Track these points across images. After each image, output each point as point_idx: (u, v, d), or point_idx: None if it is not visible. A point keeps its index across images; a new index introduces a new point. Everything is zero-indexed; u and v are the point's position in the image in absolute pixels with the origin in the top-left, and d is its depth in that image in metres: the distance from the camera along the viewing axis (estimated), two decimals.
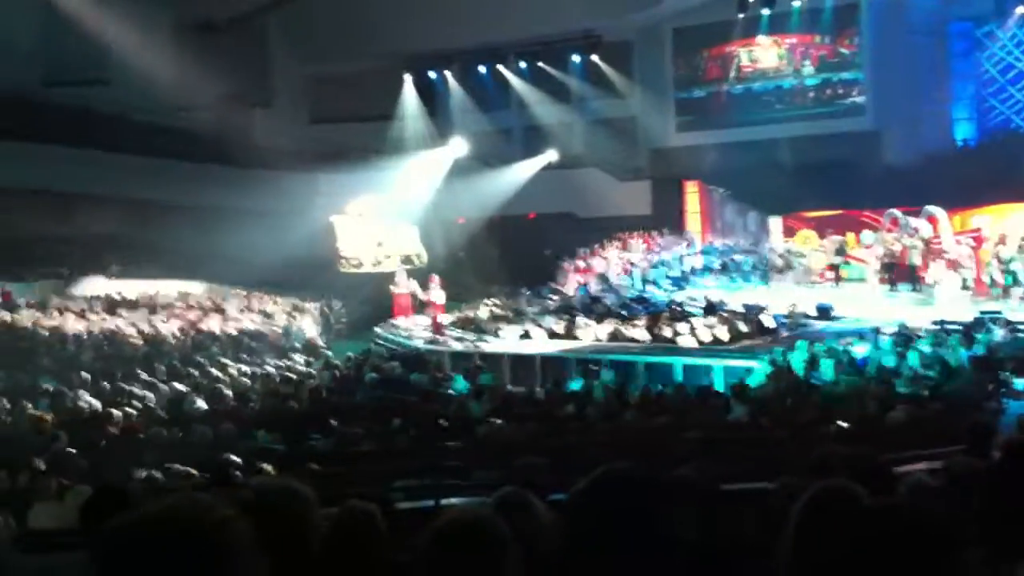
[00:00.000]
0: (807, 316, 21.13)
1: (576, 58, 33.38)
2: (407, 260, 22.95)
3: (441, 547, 2.65)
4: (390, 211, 24.01)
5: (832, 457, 4.42)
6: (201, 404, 14.04)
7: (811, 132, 30.07)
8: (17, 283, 26.80)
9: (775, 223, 29.96)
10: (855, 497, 2.57)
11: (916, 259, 24.35)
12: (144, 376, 15.66)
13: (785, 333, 19.67)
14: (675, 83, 33.44)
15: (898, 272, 25.04)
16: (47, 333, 20.66)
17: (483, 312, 24.46)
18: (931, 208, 24.75)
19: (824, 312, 21.34)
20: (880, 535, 2.05)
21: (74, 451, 10.71)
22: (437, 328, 22.23)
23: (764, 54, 32.16)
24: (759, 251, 29.32)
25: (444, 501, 8.05)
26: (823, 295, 23.83)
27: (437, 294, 22.61)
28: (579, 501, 2.30)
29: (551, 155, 32.67)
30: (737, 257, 29.20)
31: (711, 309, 21.92)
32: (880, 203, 26.78)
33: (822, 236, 28.23)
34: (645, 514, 2.21)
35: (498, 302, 25.90)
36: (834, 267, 26.83)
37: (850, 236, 27.48)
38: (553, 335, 21.17)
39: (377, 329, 24.44)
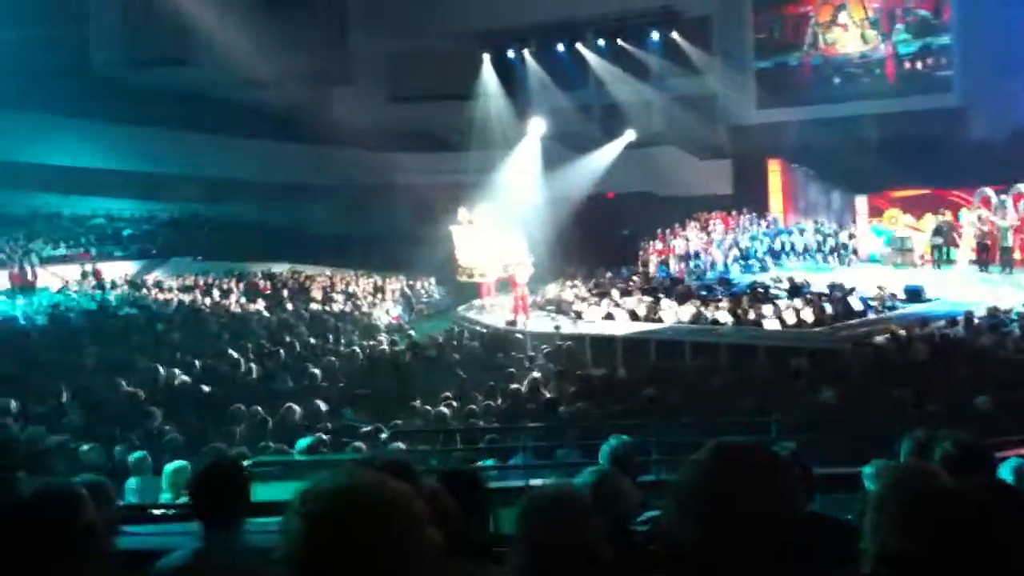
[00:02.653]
0: (895, 298, 20.69)
1: (655, 35, 33.03)
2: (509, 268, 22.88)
3: (533, 518, 2.68)
4: (498, 216, 24.03)
5: (933, 440, 4.34)
6: (289, 382, 14.27)
7: (897, 109, 29.30)
8: (107, 262, 27.50)
9: (860, 202, 29.34)
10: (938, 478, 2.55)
11: (1008, 240, 23.70)
12: (233, 354, 15.92)
13: (872, 316, 19.30)
14: (755, 50, 32.77)
15: (990, 253, 24.41)
16: (138, 311, 21.15)
17: (565, 293, 24.41)
18: (1021, 186, 24.05)
19: (914, 294, 20.88)
20: (981, 516, 2.02)
21: (168, 427, 10.98)
22: (520, 308, 22.21)
23: (849, 21, 31.31)
24: (845, 230, 28.78)
25: (532, 481, 8.10)
26: (912, 277, 23.32)
27: (522, 275, 22.49)
28: (697, 474, 2.25)
29: (630, 134, 32.41)
30: (820, 238, 28.72)
31: (796, 291, 21.59)
32: (969, 181, 26.11)
33: (918, 217, 27.56)
34: (767, 488, 2.15)
35: (579, 283, 25.84)
36: (936, 248, 26.19)
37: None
38: (635, 317, 21.04)
39: (459, 309, 24.55)
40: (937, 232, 26.26)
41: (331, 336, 19.14)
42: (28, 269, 26.01)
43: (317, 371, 14.54)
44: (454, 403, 13.16)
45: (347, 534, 1.72)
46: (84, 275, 26.53)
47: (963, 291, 21.31)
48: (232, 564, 3.53)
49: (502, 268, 23.36)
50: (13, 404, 11.37)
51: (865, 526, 2.33)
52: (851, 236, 28.69)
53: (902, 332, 16.07)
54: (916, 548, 2.11)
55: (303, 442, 9.85)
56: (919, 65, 30.26)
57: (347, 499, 1.77)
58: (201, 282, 26.64)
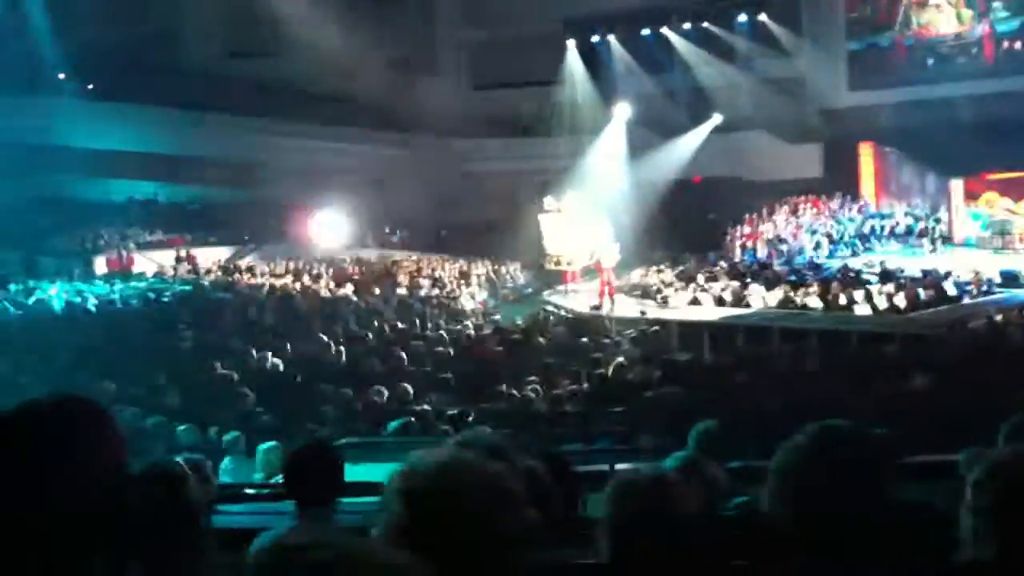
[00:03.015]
0: (992, 283, 20.14)
1: (742, 16, 32.53)
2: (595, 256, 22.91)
3: (622, 502, 2.68)
4: (586, 204, 24.09)
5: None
6: (377, 366, 14.44)
7: (994, 89, 28.41)
8: (202, 247, 28.13)
9: (956, 186, 28.56)
10: None
11: None
12: (322, 338, 16.18)
13: (968, 300, 18.84)
14: (846, 30, 32.05)
15: None
16: (231, 296, 21.61)
17: (650, 278, 24.28)
18: None
19: (1010, 278, 20.31)
20: None
21: (260, 409, 11.22)
22: (605, 293, 22.14)
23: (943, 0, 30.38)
24: (940, 214, 28.06)
25: (618, 465, 8.09)
26: (1009, 261, 22.68)
27: (608, 260, 22.40)
28: (797, 457, 2.23)
29: (717, 118, 32.02)
30: (912, 221, 28.09)
31: (888, 276, 21.15)
32: None
33: (1017, 199, 26.75)
34: (866, 472, 2.15)
35: (665, 268, 25.67)
36: None
37: None
38: (721, 302, 20.84)
39: (544, 294, 24.59)
40: None
41: (417, 320, 19.32)
42: (124, 255, 26.79)
43: (403, 355, 14.68)
44: (539, 387, 13.18)
45: (446, 511, 1.74)
46: (179, 260, 27.20)
47: None
48: (328, 541, 3.60)
49: (588, 255, 23.34)
50: (112, 387, 11.70)
51: (961, 514, 2.29)
52: (942, 220, 27.91)
53: (998, 317, 15.66)
54: (1013, 537, 2.07)
55: (394, 424, 9.97)
56: (1018, 44, 29.26)
57: (446, 477, 1.79)
58: (292, 267, 27.13)
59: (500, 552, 1.77)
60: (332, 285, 24.65)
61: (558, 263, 24.26)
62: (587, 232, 23.44)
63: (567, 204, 24.39)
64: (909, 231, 27.85)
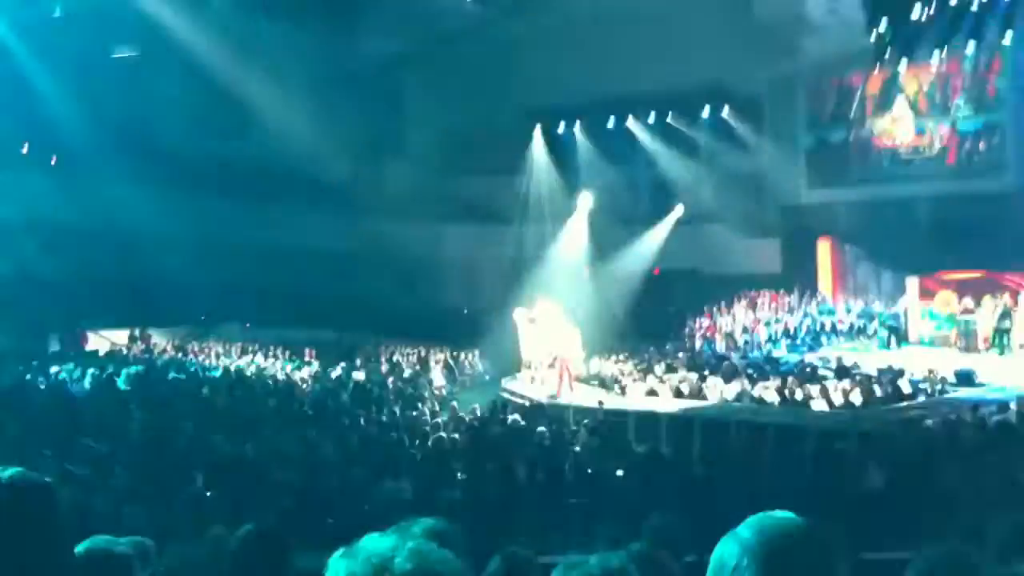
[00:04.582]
0: (946, 382, 20.34)
1: (705, 112, 33.19)
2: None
3: None
4: (556, 311, 24.35)
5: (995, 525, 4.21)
6: (329, 450, 14.25)
7: (952, 190, 29.02)
8: (157, 328, 27.81)
9: (911, 284, 28.98)
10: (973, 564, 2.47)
11: None
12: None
13: (923, 399, 18.98)
14: (806, 127, 32.73)
15: None
16: (184, 377, 21.33)
17: (609, 368, 24.31)
18: None
19: (965, 378, 20.52)
20: None
21: (209, 493, 10.99)
22: (564, 382, 22.13)
23: (903, 109, 31.09)
24: (896, 311, 28.41)
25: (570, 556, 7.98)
26: (961, 361, 22.95)
27: (575, 361, 22.63)
28: (737, 549, 2.15)
29: (679, 211, 32.42)
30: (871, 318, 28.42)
31: (844, 372, 21.32)
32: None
33: (976, 300, 27.16)
34: (812, 566, 2.10)
35: (623, 358, 25.72)
36: (999, 332, 25.64)
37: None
38: (679, 394, 20.87)
39: (503, 381, 24.51)
40: (1004, 316, 25.73)
41: (373, 406, 19.14)
42: (80, 333, 26.43)
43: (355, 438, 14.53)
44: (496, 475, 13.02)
45: None
46: (133, 339, 26.87)
47: (1017, 377, 20.88)
48: None
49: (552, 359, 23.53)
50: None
51: None
52: (898, 318, 28.23)
53: (952, 416, 15.77)
54: None
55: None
56: (980, 145, 29.82)
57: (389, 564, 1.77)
58: (247, 348, 26.86)
59: None
60: (288, 367, 24.44)
61: (531, 368, 24.39)
62: (559, 339, 23.67)
63: (539, 312, 24.60)
64: (862, 330, 28.16)
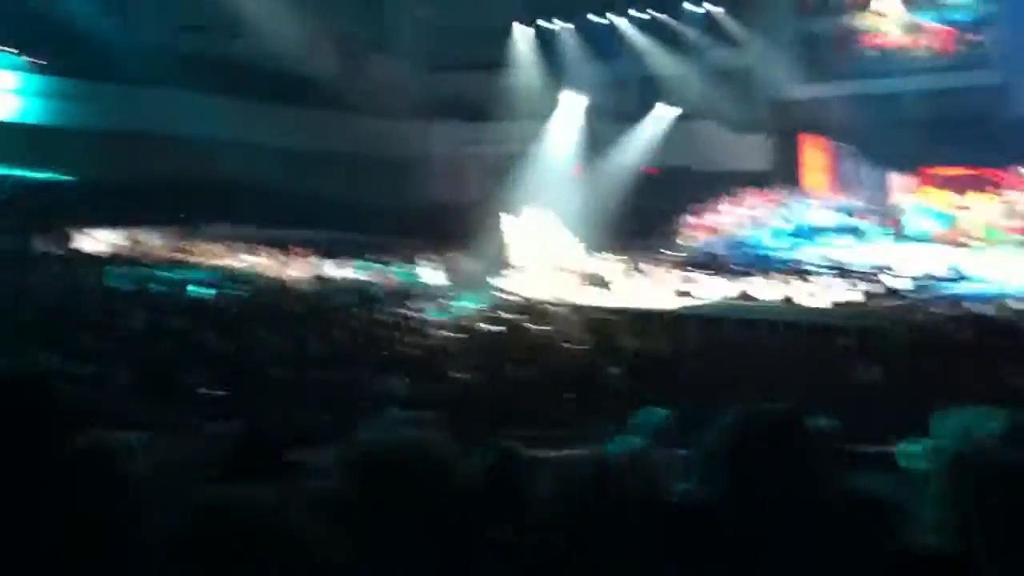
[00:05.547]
0: (938, 277, 20.43)
1: (692, 6, 32.62)
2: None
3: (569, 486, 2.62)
4: (542, 218, 24.22)
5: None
6: (323, 348, 14.30)
7: (940, 85, 28.80)
8: (144, 227, 27.58)
9: (899, 180, 28.94)
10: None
11: None
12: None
13: (913, 295, 19.08)
14: (795, 21, 32.24)
15: None
16: (174, 276, 21.21)
17: (600, 266, 24.26)
18: None
19: (956, 273, 20.62)
20: None
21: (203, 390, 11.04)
22: (555, 283, 22.17)
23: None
24: (885, 207, 28.42)
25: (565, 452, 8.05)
26: (954, 256, 23.03)
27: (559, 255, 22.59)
28: (720, 436, 2.16)
29: (664, 108, 32.06)
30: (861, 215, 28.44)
31: (837, 269, 21.36)
32: (1011, 160, 25.75)
33: (960, 194, 27.15)
34: (791, 451, 2.08)
35: (613, 256, 25.67)
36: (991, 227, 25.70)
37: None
38: (675, 293, 20.94)
39: (495, 280, 24.46)
40: (995, 211, 25.77)
41: (366, 302, 19.15)
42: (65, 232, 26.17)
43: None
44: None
45: (388, 479, 1.80)
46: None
47: (1007, 271, 20.98)
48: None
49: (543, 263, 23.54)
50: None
51: (931, 500, 2.26)
52: (892, 213, 28.25)
53: (942, 311, 15.89)
54: (987, 530, 2.05)
55: None
56: (970, 37, 29.45)
57: (389, 448, 1.87)
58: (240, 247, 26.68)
59: (442, 527, 1.78)
60: (276, 264, 24.41)
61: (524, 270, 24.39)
62: (549, 245, 23.67)
63: (527, 220, 24.49)
64: (857, 226, 28.21)
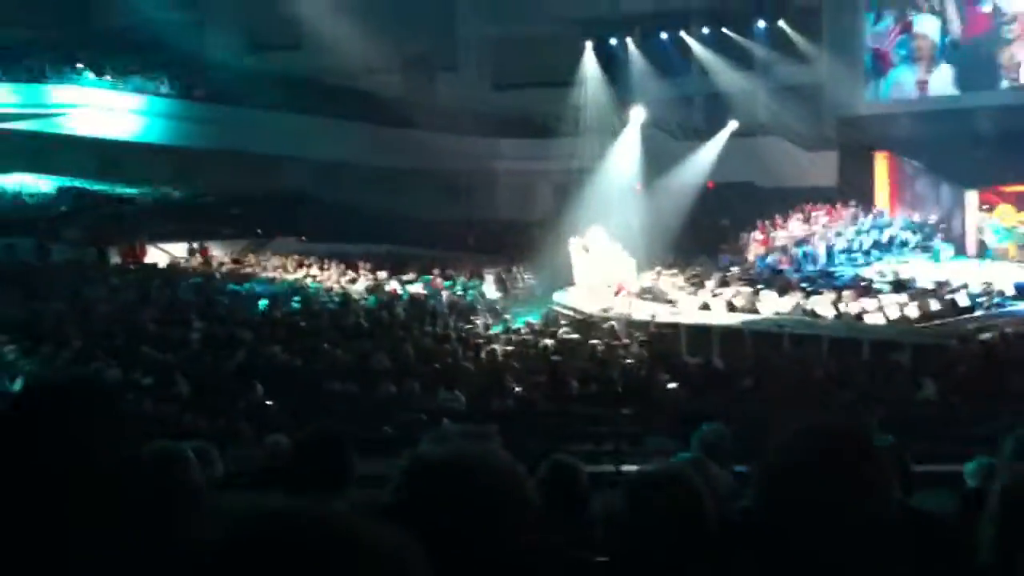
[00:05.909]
0: (1004, 295, 20.04)
1: (761, 23, 32.48)
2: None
3: (632, 499, 2.65)
4: (607, 237, 24.32)
5: None
6: (385, 361, 14.47)
7: (1014, 101, 28.27)
8: (215, 240, 28.19)
9: (971, 197, 28.45)
10: None
11: None
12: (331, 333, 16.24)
13: (980, 312, 18.75)
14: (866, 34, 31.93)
15: None
16: (242, 290, 21.68)
17: (662, 282, 24.25)
18: None
19: (1022, 291, 20.20)
20: None
21: (270, 402, 11.26)
22: (618, 299, 22.19)
23: None
24: (954, 225, 27.94)
25: (623, 467, 8.10)
26: (1020, 274, 22.56)
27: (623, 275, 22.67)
28: (781, 455, 2.14)
29: (733, 124, 31.93)
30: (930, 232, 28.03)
31: (900, 285, 21.06)
32: None
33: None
34: (854, 472, 2.01)
35: (676, 271, 25.64)
36: None
37: None
38: (732, 308, 20.78)
39: (555, 295, 24.59)
40: None
41: (428, 317, 19.35)
42: (138, 245, 26.86)
43: (411, 351, 14.72)
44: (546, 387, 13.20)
45: (451, 492, 1.75)
46: (192, 252, 27.26)
47: None
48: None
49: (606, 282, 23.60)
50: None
51: (982, 524, 2.26)
52: (962, 231, 27.79)
53: (1009, 330, 15.61)
54: None
55: None
56: None
57: (455, 461, 1.82)
58: (300, 260, 27.14)
59: (502, 537, 1.75)
60: (342, 280, 24.72)
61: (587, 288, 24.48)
62: (613, 266, 23.72)
63: (592, 240, 24.56)
64: (924, 242, 27.81)
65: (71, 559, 1.75)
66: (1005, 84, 29.29)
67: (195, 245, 27.61)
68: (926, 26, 30.71)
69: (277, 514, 1.26)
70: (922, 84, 30.86)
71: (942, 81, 30.51)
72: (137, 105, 29.30)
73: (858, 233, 28.04)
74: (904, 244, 27.90)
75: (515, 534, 1.76)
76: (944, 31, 30.35)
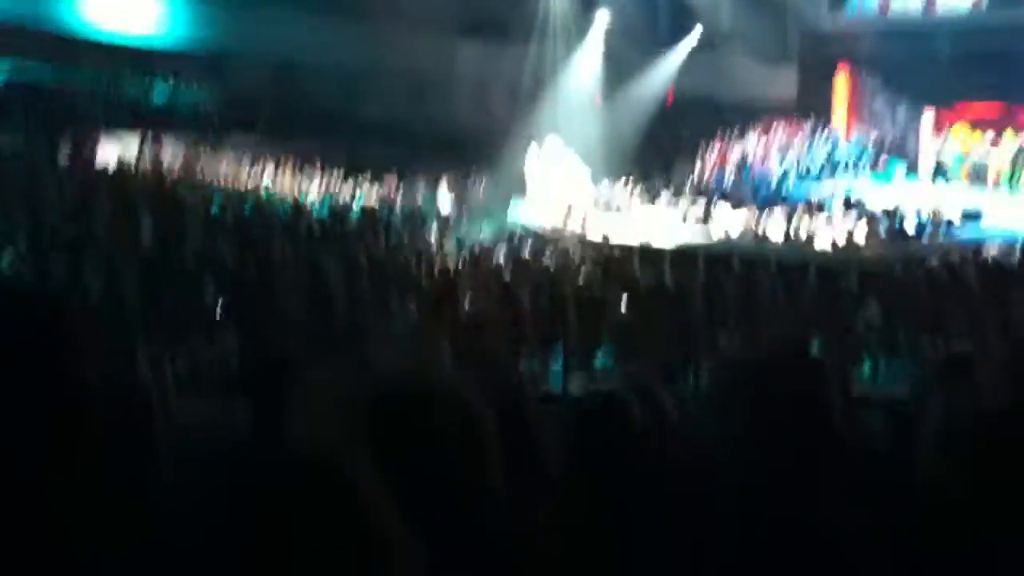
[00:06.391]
0: (952, 223, 20.33)
1: None
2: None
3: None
4: (562, 149, 24.05)
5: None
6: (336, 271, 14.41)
7: (979, 23, 28.24)
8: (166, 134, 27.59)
9: (927, 117, 28.60)
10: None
11: None
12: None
13: (926, 238, 19.04)
14: None
15: None
16: (193, 187, 21.37)
17: (618, 193, 24.25)
18: None
19: (972, 217, 20.51)
20: None
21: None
22: (571, 216, 22.24)
23: None
24: (913, 145, 28.16)
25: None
26: (970, 198, 22.87)
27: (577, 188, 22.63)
28: (728, 374, 2.19)
29: (697, 31, 31.51)
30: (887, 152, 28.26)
31: (850, 207, 21.28)
32: None
33: (982, 133, 26.82)
34: (811, 396, 2.04)
35: (631, 183, 25.60)
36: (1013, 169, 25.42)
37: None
38: (685, 219, 20.97)
39: (509, 208, 24.51)
40: (1019, 153, 25.49)
41: (381, 228, 19.30)
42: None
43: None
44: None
45: (416, 420, 1.72)
46: (143, 143, 26.59)
47: None
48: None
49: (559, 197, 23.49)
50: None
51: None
52: (911, 151, 28.03)
53: (954, 257, 15.88)
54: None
55: None
56: None
57: (415, 385, 1.78)
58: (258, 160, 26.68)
59: (473, 465, 1.72)
60: (296, 183, 24.50)
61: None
62: (568, 178, 23.61)
63: (547, 150, 24.37)
64: (876, 161, 28.04)
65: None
66: (966, 5, 29.20)
67: (149, 134, 26.85)
68: None
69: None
70: (883, 7, 30.74)
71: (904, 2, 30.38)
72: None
73: (812, 150, 28.17)
74: (857, 163, 28.09)
75: (475, 470, 1.73)
76: None
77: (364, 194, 24.45)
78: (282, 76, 29.71)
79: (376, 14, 30.55)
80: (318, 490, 1.20)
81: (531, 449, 3.39)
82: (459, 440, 1.71)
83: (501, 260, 17.02)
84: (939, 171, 27.14)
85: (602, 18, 31.44)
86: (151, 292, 11.71)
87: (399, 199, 24.46)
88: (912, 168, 27.89)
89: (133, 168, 23.33)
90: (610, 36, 31.33)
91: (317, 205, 22.17)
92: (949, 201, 21.81)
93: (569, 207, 22.57)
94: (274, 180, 24.82)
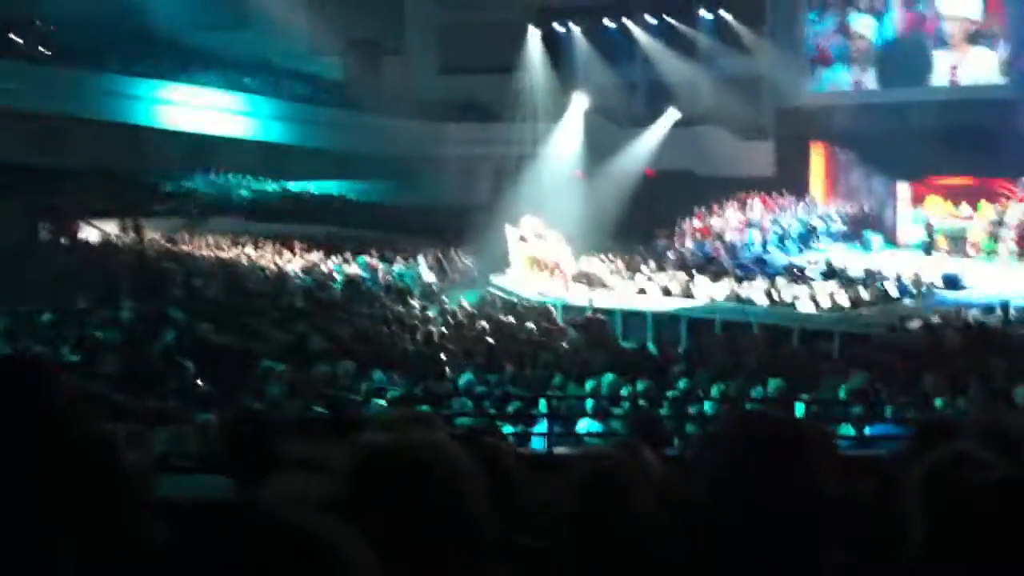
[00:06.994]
0: (933, 286, 20.50)
1: (706, 13, 32.67)
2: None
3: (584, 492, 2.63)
4: (543, 226, 24.34)
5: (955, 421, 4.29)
6: (320, 342, 14.39)
7: (949, 97, 28.82)
8: (149, 218, 27.69)
9: (903, 189, 29.01)
10: (985, 464, 2.44)
11: None
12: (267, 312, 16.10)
13: (909, 302, 19.15)
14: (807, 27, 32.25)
15: None
16: (175, 266, 21.36)
17: (599, 267, 24.38)
18: None
19: (951, 282, 20.69)
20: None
21: (200, 382, 11.13)
22: (553, 283, 22.31)
23: None
24: (888, 216, 28.53)
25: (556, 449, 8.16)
26: (950, 265, 23.09)
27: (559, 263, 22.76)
28: (713, 443, 2.17)
29: (674, 113, 32.12)
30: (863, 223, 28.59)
31: (832, 274, 21.45)
32: (1017, 172, 25.84)
33: (958, 205, 27.22)
34: (790, 461, 2.01)
35: (613, 256, 25.78)
36: (990, 238, 25.74)
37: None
38: (667, 292, 21.00)
39: (492, 278, 24.60)
40: (995, 223, 25.84)
41: (364, 298, 19.27)
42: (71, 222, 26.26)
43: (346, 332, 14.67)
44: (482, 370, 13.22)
45: (407, 486, 1.72)
46: (124, 229, 26.70)
47: (1003, 282, 21.06)
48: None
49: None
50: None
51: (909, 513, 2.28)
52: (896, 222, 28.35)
53: (936, 319, 15.96)
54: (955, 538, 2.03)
55: None
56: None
57: (407, 451, 1.78)
58: (238, 240, 26.77)
59: (462, 530, 1.72)
60: (277, 258, 24.51)
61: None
62: (550, 255, 23.81)
63: (526, 230, 24.58)
64: (855, 232, 28.36)
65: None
66: (939, 82, 29.77)
67: (128, 222, 27.02)
68: (862, 25, 31.11)
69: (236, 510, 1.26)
70: (857, 84, 31.31)
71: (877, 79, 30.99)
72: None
73: (791, 222, 28.47)
74: (836, 234, 28.39)
75: (470, 526, 1.74)
76: (880, 30, 30.79)
77: (346, 267, 24.49)
78: (263, 157, 29.98)
79: (362, 102, 31.20)
80: (300, 560, 1.19)
81: (519, 511, 3.36)
82: (450, 504, 1.72)
83: (485, 325, 17.02)
84: (926, 243, 27.25)
85: (581, 99, 32.03)
86: (131, 367, 11.62)
87: (381, 272, 24.49)
88: (890, 239, 28.20)
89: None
90: (589, 115, 31.86)
91: (300, 278, 22.16)
92: (929, 267, 22.04)
93: (552, 271, 22.65)
94: (255, 256, 24.85)
